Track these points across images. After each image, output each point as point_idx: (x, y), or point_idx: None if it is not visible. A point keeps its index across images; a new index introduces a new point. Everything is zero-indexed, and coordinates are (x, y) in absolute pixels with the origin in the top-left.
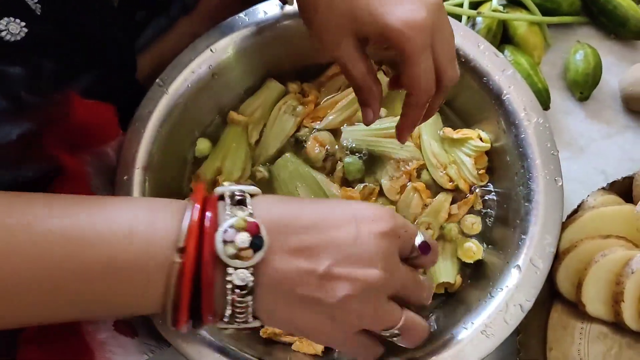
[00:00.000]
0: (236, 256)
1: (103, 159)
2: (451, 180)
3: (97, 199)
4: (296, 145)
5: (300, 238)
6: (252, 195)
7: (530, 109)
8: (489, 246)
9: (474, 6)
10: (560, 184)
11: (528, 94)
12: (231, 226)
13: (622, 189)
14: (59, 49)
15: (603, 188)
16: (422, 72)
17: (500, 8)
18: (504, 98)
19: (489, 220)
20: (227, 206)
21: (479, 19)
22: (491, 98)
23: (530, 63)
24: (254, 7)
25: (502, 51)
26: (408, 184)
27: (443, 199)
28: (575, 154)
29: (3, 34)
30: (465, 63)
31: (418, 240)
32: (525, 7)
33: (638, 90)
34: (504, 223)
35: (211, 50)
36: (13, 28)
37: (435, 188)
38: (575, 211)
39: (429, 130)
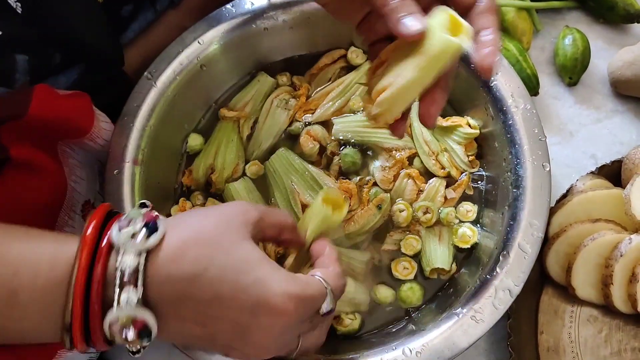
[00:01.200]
0: (126, 341)
1: (87, 150)
2: (443, 167)
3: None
4: (289, 139)
5: (195, 313)
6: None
7: (517, 95)
8: (482, 229)
9: None
10: (547, 169)
11: (515, 80)
12: (116, 320)
13: (611, 172)
14: (39, 44)
15: (592, 172)
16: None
17: None
18: (492, 85)
19: (481, 206)
20: (115, 284)
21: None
22: (479, 85)
23: (519, 49)
24: None
25: None
26: (401, 171)
27: (438, 183)
28: (565, 138)
29: None
30: None
31: (326, 308)
32: None
33: (626, 74)
34: (493, 208)
35: (199, 42)
36: None
37: (426, 176)
38: (564, 195)
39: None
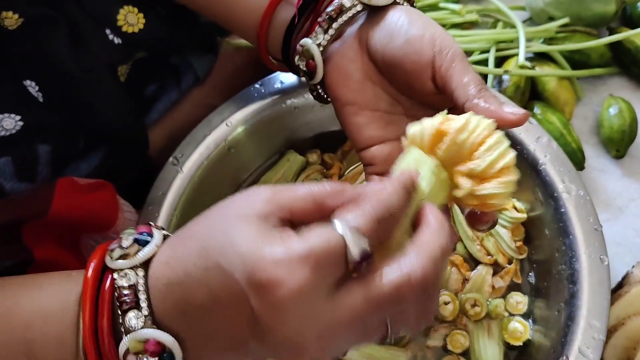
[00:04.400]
0: None
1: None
2: (489, 253)
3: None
4: None
5: (200, 321)
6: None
7: (569, 180)
8: (534, 323)
9: (499, 62)
10: (606, 263)
11: (566, 163)
12: (128, 350)
13: None
14: (61, 133)
15: None
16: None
17: (528, 64)
18: (540, 168)
19: (531, 297)
20: (120, 310)
21: (505, 77)
22: (526, 167)
23: (562, 121)
24: (270, 77)
25: (531, 108)
26: None
27: (484, 272)
28: (614, 215)
29: None
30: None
31: (354, 253)
32: (553, 61)
33: None
34: (545, 300)
35: (227, 124)
36: (7, 124)
37: (471, 263)
38: (620, 285)
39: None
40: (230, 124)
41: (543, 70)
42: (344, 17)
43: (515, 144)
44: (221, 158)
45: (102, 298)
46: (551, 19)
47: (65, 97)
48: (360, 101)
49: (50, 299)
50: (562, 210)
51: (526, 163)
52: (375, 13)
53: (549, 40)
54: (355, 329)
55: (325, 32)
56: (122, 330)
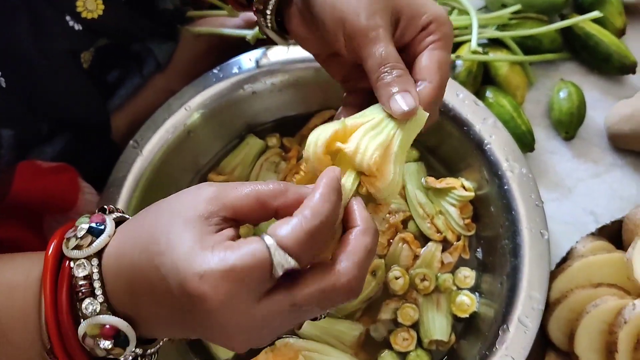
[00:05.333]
0: (108, 352)
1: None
2: (439, 231)
3: None
4: None
5: (145, 307)
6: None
7: (513, 159)
8: (481, 296)
9: (453, 48)
10: (546, 237)
11: (510, 143)
12: (85, 334)
13: (612, 233)
14: (24, 117)
15: (592, 233)
16: (448, 60)
17: (480, 49)
18: (486, 148)
19: (478, 271)
20: (77, 298)
21: (458, 62)
22: (473, 147)
23: (513, 105)
24: (228, 62)
25: (483, 93)
26: (396, 236)
27: (434, 248)
28: (563, 194)
29: None
30: (445, 112)
31: (278, 270)
32: (506, 47)
33: (624, 128)
34: (491, 273)
35: (185, 108)
36: None
37: (422, 239)
38: (564, 259)
39: (413, 180)
40: (189, 109)
41: (495, 56)
42: None
43: (462, 124)
44: (181, 142)
45: (61, 284)
46: (504, 6)
47: (28, 83)
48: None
49: (14, 274)
50: (506, 187)
51: (472, 143)
52: None
53: (502, 27)
54: (282, 325)
55: None
56: (80, 315)
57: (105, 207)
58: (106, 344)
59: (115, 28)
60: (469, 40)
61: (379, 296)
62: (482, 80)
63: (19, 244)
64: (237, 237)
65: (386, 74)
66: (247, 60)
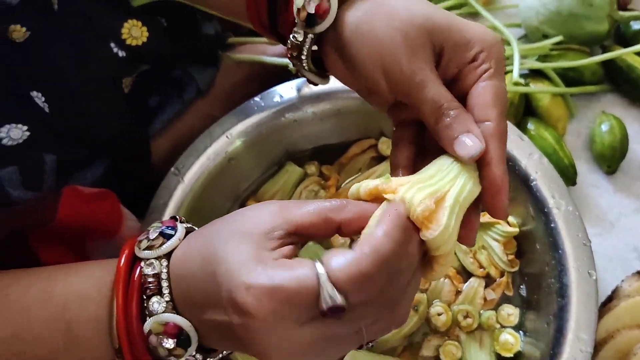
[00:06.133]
0: (171, 353)
1: (117, 248)
2: (481, 266)
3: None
4: None
5: (201, 315)
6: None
7: (559, 196)
8: (525, 335)
9: None
10: (594, 277)
11: (556, 179)
12: (150, 331)
13: None
14: (65, 142)
15: (638, 272)
16: (504, 88)
17: (522, 80)
18: (532, 184)
19: (522, 309)
20: (145, 296)
21: None
22: (519, 183)
23: (555, 137)
24: (269, 91)
25: (525, 124)
26: None
27: (476, 284)
28: (606, 229)
29: (4, 141)
30: None
31: (324, 303)
32: (547, 78)
33: None
34: (536, 312)
35: (227, 136)
36: (14, 134)
37: (464, 274)
38: (610, 298)
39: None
40: (231, 136)
41: (537, 87)
42: None
43: (508, 160)
44: (222, 169)
45: (132, 285)
46: (545, 36)
47: (70, 108)
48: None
49: (86, 283)
50: (552, 225)
51: (518, 179)
52: None
53: (543, 58)
54: (324, 351)
55: None
56: (147, 313)
57: (177, 217)
58: (169, 342)
59: (158, 54)
60: (510, 71)
61: (421, 332)
62: (523, 111)
63: (37, 256)
64: (296, 255)
65: (443, 116)
66: (288, 89)
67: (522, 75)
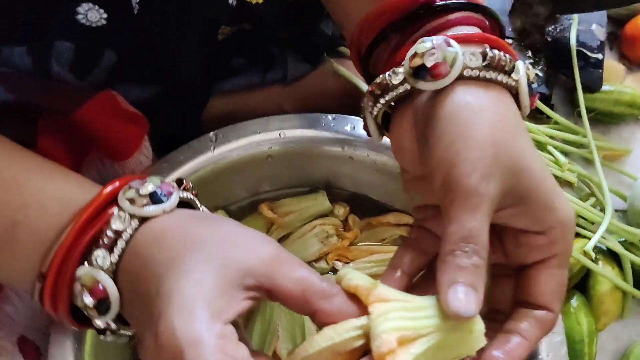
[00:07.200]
0: (86, 308)
1: (113, 171)
2: None
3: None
4: None
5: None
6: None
7: None
8: None
9: None
10: None
11: None
12: (80, 278)
13: None
14: (134, 51)
15: None
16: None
17: (592, 254)
18: None
19: None
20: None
21: None
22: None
23: (591, 329)
24: (346, 117)
25: (570, 297)
26: None
27: None
28: None
29: (79, 17)
30: None
31: None
32: (620, 265)
33: None
34: None
35: (280, 134)
36: (92, 16)
37: None
38: None
39: None
40: (283, 135)
41: (605, 269)
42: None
43: None
44: (256, 161)
45: (93, 224)
46: None
47: (155, 21)
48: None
49: (54, 195)
50: None
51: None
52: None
53: (627, 244)
54: None
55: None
56: (87, 259)
57: (184, 181)
58: (89, 300)
59: (268, 22)
60: (586, 237)
61: None
62: (576, 283)
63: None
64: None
65: (462, 253)
66: (362, 124)
67: (595, 248)
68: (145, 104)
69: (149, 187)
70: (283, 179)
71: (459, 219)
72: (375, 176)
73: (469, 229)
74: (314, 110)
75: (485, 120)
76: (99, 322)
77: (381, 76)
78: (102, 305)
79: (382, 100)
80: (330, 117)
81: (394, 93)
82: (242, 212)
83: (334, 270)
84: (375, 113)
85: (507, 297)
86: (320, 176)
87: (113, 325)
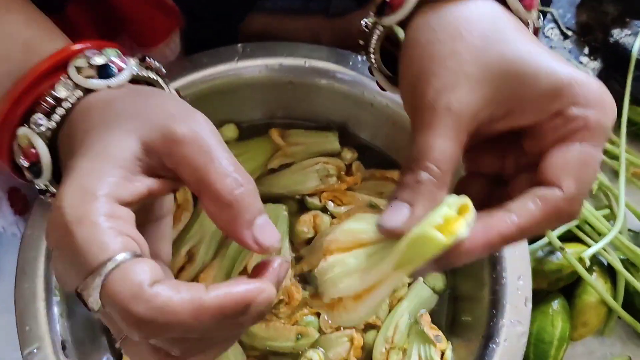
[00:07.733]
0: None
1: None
2: None
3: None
4: (297, 204)
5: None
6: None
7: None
8: None
9: (571, 236)
10: None
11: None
12: (16, 138)
13: None
14: None
15: None
16: (597, 160)
17: (587, 261)
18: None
19: None
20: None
21: (559, 253)
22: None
23: (563, 335)
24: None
25: (553, 298)
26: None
27: None
28: None
29: None
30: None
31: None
32: (613, 281)
33: None
34: None
35: (305, 62)
36: None
37: (364, 353)
38: None
39: (414, 302)
40: (308, 65)
41: (597, 281)
42: None
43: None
44: (276, 83)
45: (45, 82)
46: None
47: None
48: None
49: (27, 40)
50: None
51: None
52: None
53: (628, 263)
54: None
55: None
56: (26, 121)
57: (148, 58)
58: (23, 161)
59: None
60: (586, 244)
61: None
62: (566, 286)
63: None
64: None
65: (409, 170)
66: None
67: (592, 258)
68: (188, 2)
69: (100, 59)
70: (299, 109)
71: (414, 140)
72: (392, 129)
73: (419, 147)
74: (350, 50)
75: (450, 30)
76: (38, 182)
77: (362, 23)
78: (34, 168)
79: (370, 50)
80: (360, 57)
81: (374, 38)
82: (252, 132)
83: (325, 209)
84: (375, 64)
85: None
86: (337, 117)
87: (52, 189)
